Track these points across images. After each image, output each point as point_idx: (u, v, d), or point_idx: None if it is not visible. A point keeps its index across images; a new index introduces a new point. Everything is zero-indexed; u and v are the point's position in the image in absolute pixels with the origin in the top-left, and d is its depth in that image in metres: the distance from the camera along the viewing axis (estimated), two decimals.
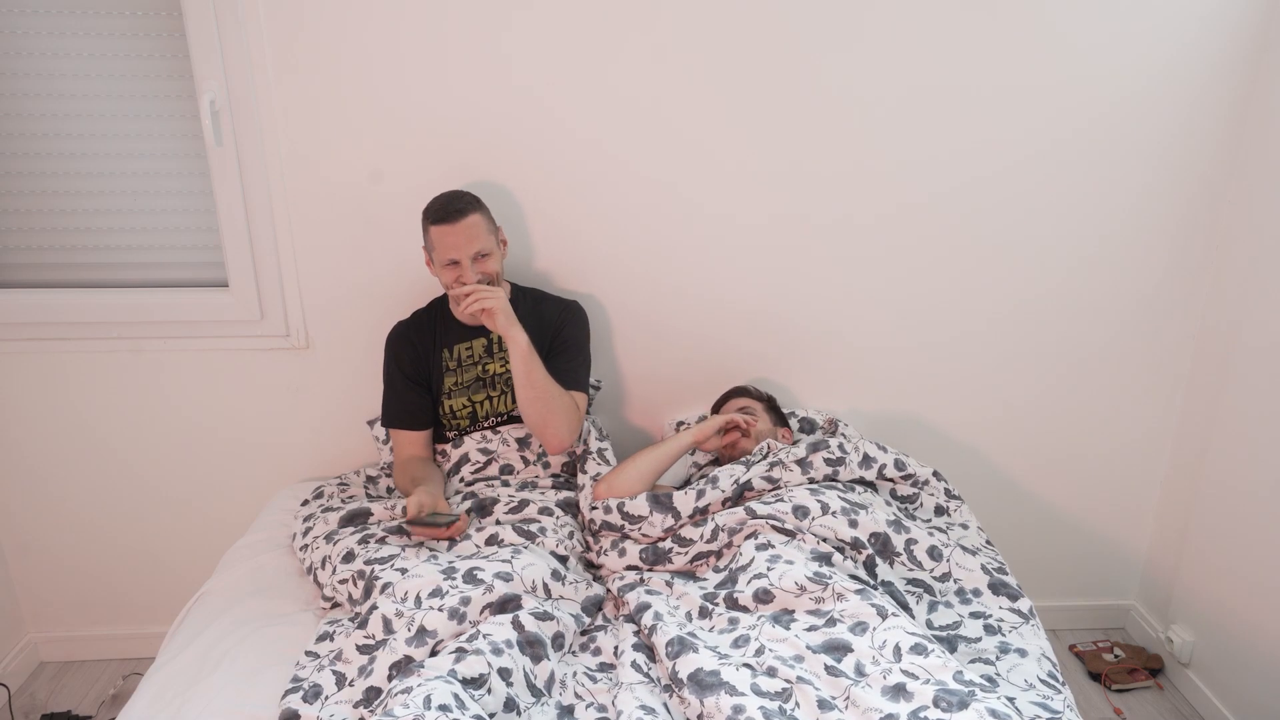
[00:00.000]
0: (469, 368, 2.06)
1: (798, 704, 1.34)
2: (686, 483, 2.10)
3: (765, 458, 1.88)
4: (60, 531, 2.40)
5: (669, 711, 1.40)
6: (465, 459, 2.06)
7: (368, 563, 1.70)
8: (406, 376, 2.05)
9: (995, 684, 1.48)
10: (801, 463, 1.85)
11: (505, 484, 2.01)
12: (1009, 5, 2.03)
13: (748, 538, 1.73)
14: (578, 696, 1.49)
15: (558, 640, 1.58)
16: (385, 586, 1.61)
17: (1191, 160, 2.18)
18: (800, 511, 1.71)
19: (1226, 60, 2.10)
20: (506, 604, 1.56)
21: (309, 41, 1.99)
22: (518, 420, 2.08)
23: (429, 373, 2.07)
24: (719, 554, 1.77)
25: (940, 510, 1.92)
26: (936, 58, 2.06)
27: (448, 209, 1.90)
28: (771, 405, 2.16)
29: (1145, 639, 2.55)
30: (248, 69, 2.00)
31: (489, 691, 1.38)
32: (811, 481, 1.83)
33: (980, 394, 2.38)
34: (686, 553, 1.78)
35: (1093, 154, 2.16)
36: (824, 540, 1.68)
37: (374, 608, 1.57)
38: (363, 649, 1.53)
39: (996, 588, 1.71)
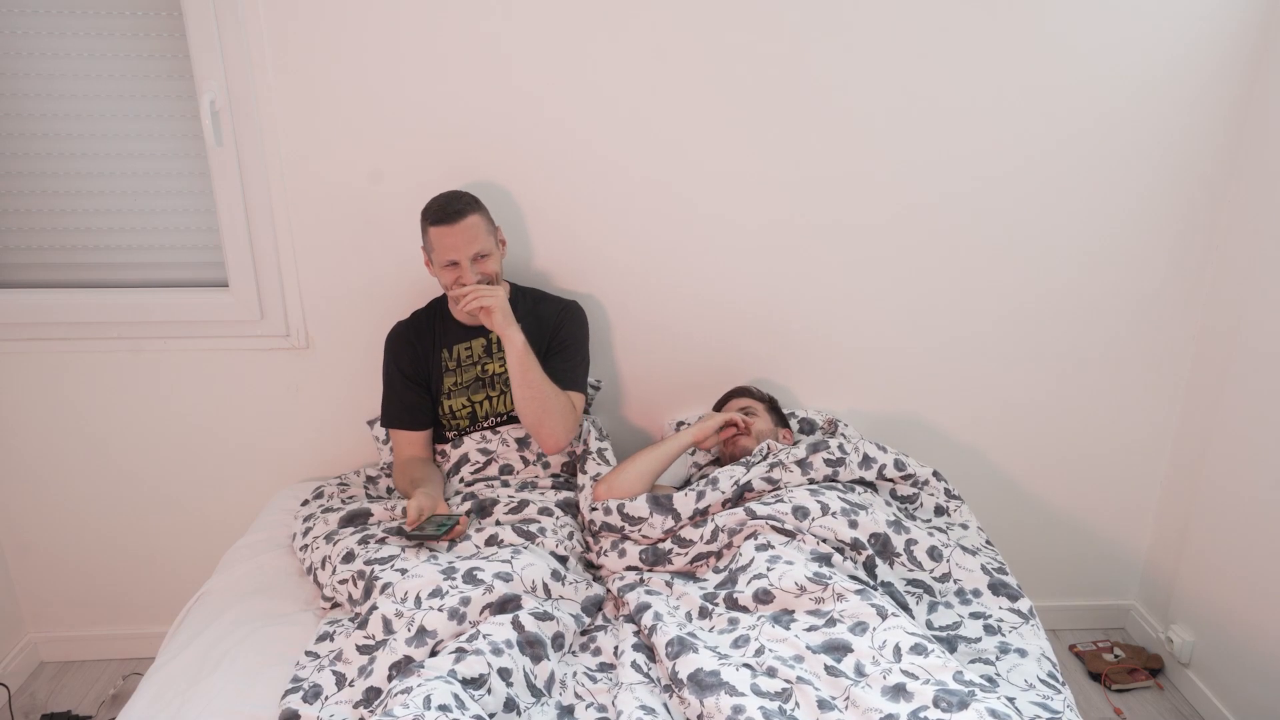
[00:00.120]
0: (468, 368, 2.06)
1: (797, 704, 1.34)
2: (686, 483, 2.10)
3: (765, 458, 1.88)
4: (60, 531, 2.40)
5: (669, 712, 1.40)
6: (465, 459, 2.06)
7: (368, 563, 1.70)
8: (406, 376, 2.05)
9: (995, 684, 1.48)
10: (801, 463, 1.85)
11: (505, 484, 2.01)
12: (1009, 7, 2.03)
13: (747, 538, 1.73)
14: (578, 696, 1.49)
15: (558, 640, 1.58)
16: (385, 587, 1.61)
17: (1191, 161, 2.18)
18: (800, 512, 1.71)
19: (1226, 61, 2.10)
20: (506, 604, 1.56)
21: (309, 42, 1.99)
22: (517, 420, 2.07)
23: (428, 373, 2.07)
24: (719, 555, 1.77)
25: (940, 510, 1.92)
26: (937, 60, 2.07)
27: (447, 210, 1.90)
28: (773, 406, 2.16)
29: (1145, 639, 2.55)
30: (248, 69, 2.00)
31: (489, 691, 1.38)
32: (811, 482, 1.83)
33: (980, 394, 2.38)
34: (686, 553, 1.78)
35: (1093, 156, 2.16)
36: (824, 541, 1.68)
37: (374, 608, 1.57)
38: (363, 649, 1.53)
39: (996, 588, 1.71)
